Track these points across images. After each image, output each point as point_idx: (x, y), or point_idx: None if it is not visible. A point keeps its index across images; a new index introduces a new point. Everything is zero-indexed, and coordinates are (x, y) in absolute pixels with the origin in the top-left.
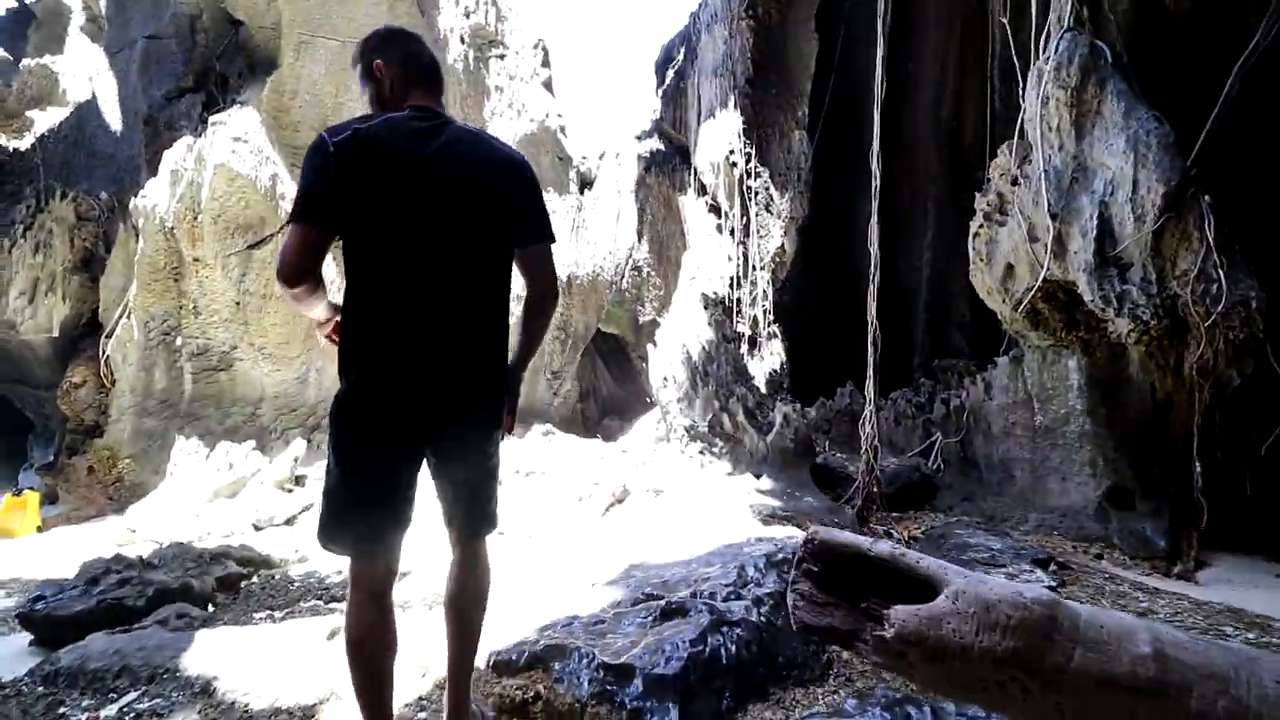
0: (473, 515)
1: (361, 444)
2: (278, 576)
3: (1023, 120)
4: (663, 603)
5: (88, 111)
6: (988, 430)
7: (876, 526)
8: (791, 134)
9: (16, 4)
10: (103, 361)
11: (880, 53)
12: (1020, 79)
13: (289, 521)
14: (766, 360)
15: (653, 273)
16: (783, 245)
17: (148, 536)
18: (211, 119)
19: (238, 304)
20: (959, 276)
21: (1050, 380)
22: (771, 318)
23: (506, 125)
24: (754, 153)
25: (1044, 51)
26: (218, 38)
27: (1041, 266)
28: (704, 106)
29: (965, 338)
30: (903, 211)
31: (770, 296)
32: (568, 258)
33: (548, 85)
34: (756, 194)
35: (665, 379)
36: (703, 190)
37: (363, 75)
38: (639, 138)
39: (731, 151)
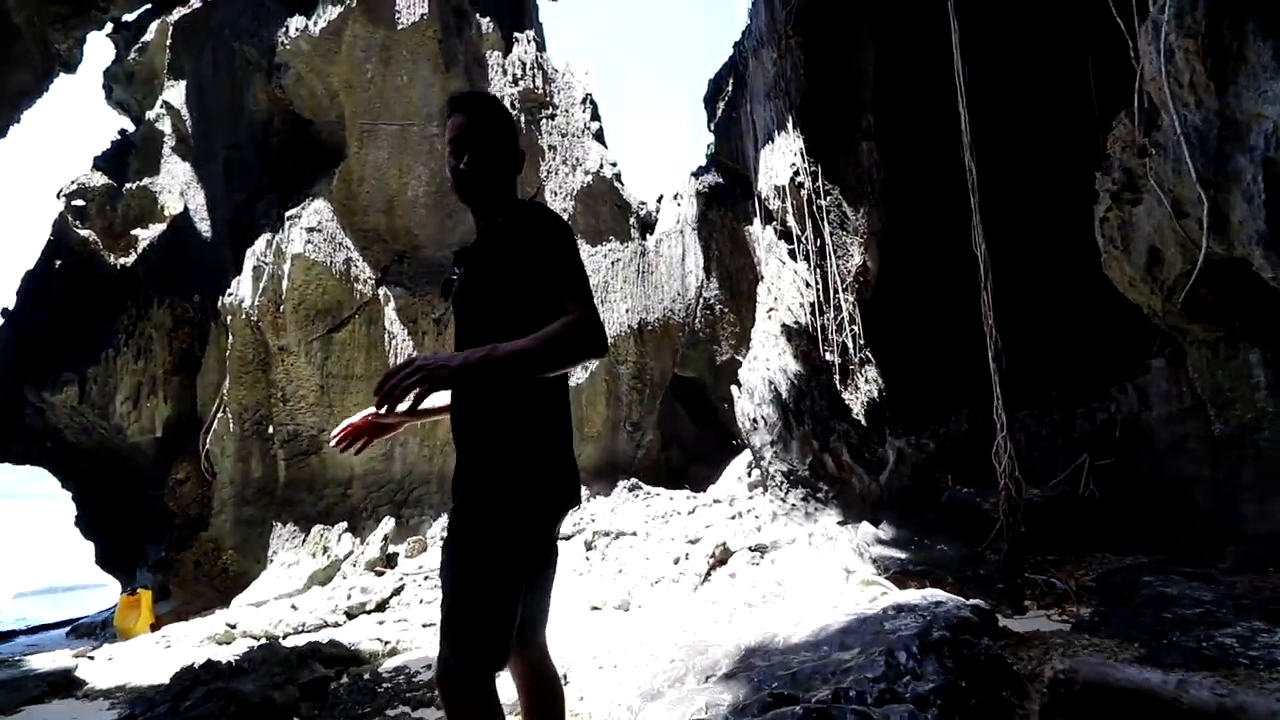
0: (548, 612)
1: (529, 550)
2: (366, 675)
3: (1141, 83)
4: (798, 709)
5: (182, 223)
6: (1150, 447)
7: (1033, 575)
8: (859, 145)
9: (119, 135)
10: (203, 456)
11: (955, 38)
12: (1129, 39)
13: (380, 606)
14: (862, 390)
15: (726, 309)
16: (865, 263)
17: (245, 630)
18: (287, 214)
19: (322, 388)
20: (1071, 270)
21: (1227, 380)
22: (862, 342)
23: (562, 182)
24: (820, 171)
25: (1157, 1)
26: (289, 139)
27: (1198, 247)
28: (760, 132)
29: (1090, 340)
30: (993, 207)
31: (858, 320)
32: (636, 304)
33: (599, 136)
34: (828, 212)
35: (754, 421)
36: (769, 217)
37: (506, 151)
38: (695, 174)
39: (796, 172)
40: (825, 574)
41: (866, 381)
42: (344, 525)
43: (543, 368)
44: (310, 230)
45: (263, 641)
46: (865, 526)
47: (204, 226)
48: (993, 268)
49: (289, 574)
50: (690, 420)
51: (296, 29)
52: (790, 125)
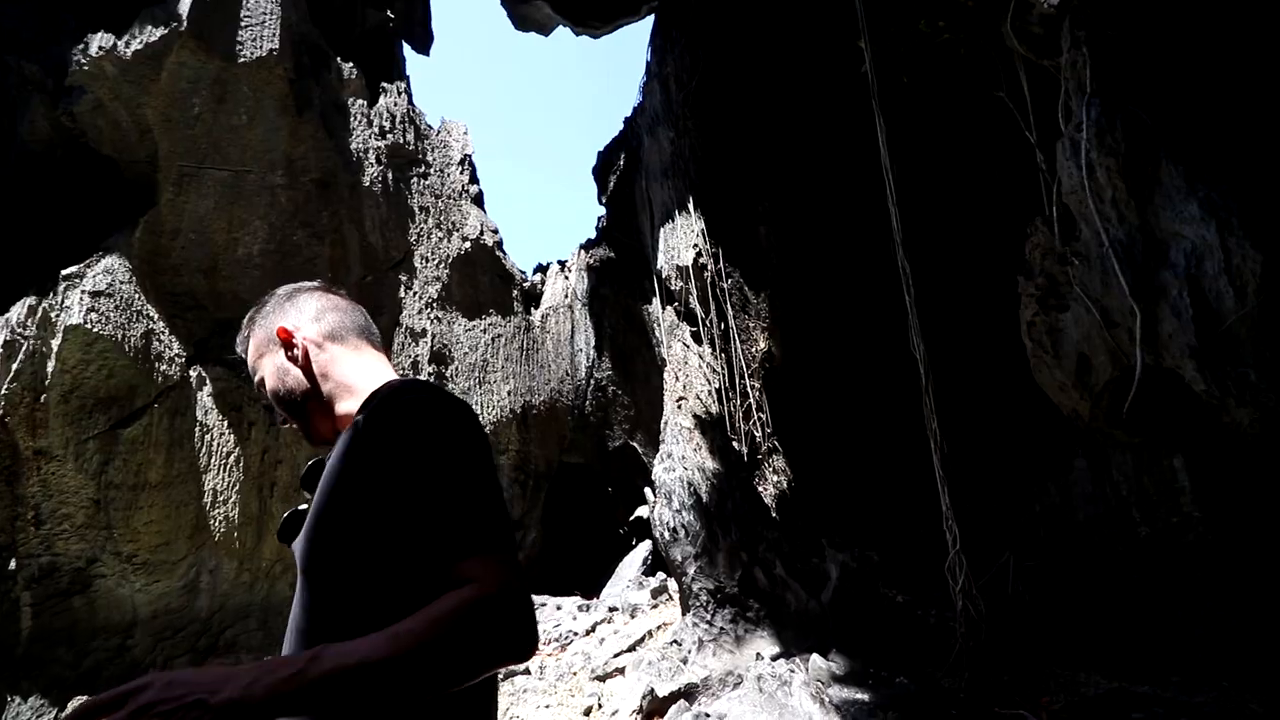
0: None
1: None
2: None
3: (1056, 194)
4: None
5: None
6: (1076, 547)
7: (1002, 711)
8: (756, 228)
9: None
10: None
11: (882, 137)
12: (1038, 150)
13: None
14: (770, 481)
15: (619, 391)
16: (770, 349)
17: None
18: (63, 273)
19: (97, 503)
20: (970, 363)
21: (1152, 484)
22: (770, 430)
23: (435, 247)
24: (720, 253)
25: (1070, 120)
26: (74, 178)
27: (1128, 356)
28: (658, 210)
29: (998, 434)
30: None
31: (766, 407)
32: (520, 385)
33: (478, 201)
34: (731, 295)
35: (674, 531)
36: (670, 298)
37: (275, 355)
38: (585, 246)
39: (699, 254)
40: None
41: (775, 472)
42: None
43: (418, 687)
44: (95, 294)
45: None
46: (816, 660)
47: None
48: (893, 354)
49: None
50: (573, 510)
51: (101, 48)
52: (691, 205)
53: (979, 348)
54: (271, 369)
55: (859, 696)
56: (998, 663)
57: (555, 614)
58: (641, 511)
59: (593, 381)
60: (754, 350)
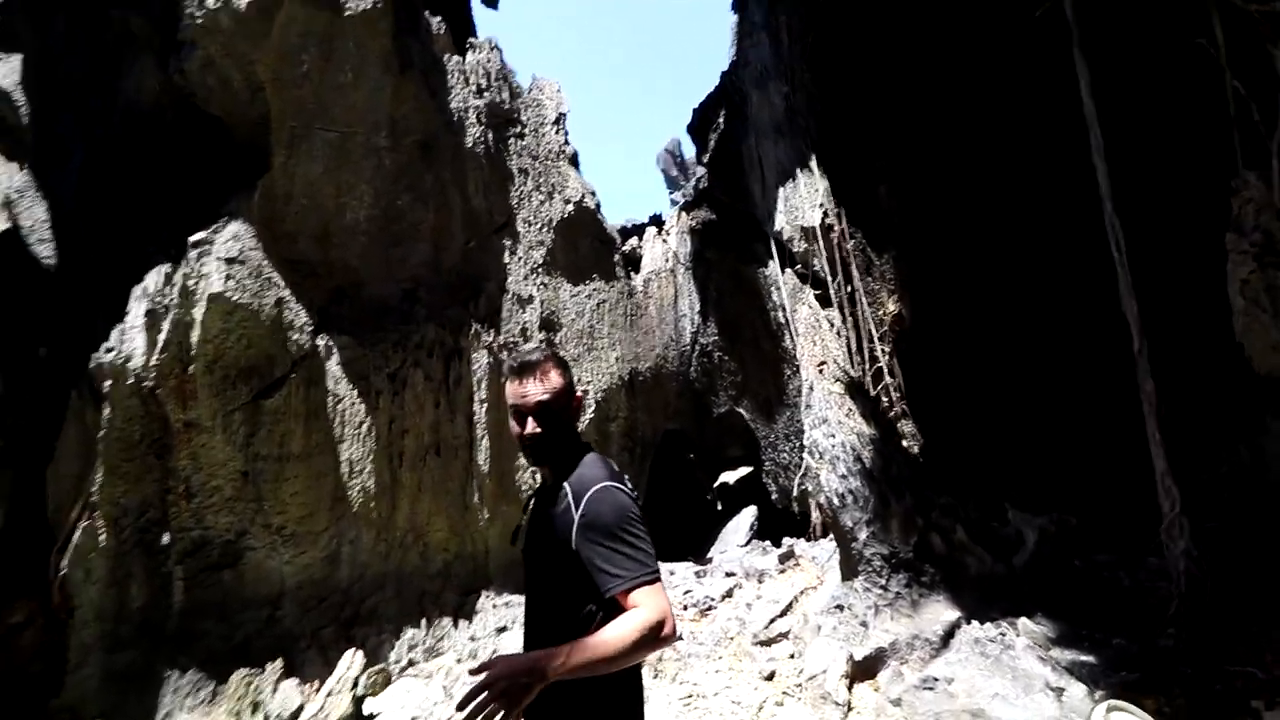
0: None
1: None
2: None
3: (1278, 147)
4: None
5: (9, 246)
6: (1270, 509)
7: (1230, 667)
8: (876, 187)
9: None
10: (55, 584)
11: (1086, 87)
12: (1238, 100)
13: None
14: (901, 447)
15: (725, 356)
16: (900, 311)
17: None
18: (192, 240)
19: (245, 474)
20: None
21: None
22: (900, 394)
23: (538, 210)
24: (843, 212)
25: None
26: (187, 139)
27: None
28: (770, 170)
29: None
30: (1070, 246)
31: (897, 371)
32: (626, 352)
33: (574, 161)
34: (855, 256)
35: (842, 496)
36: (791, 260)
37: (574, 412)
38: (684, 208)
39: (825, 214)
40: (1030, 696)
41: (905, 438)
42: (278, 664)
43: (617, 667)
44: (230, 262)
45: None
46: (1026, 623)
47: (45, 250)
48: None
49: None
50: (670, 476)
51: (216, 0)
52: (814, 164)
53: (1153, 309)
54: (560, 407)
55: (1084, 658)
56: (1212, 623)
57: (672, 578)
58: (726, 477)
59: (698, 347)
60: (882, 314)
